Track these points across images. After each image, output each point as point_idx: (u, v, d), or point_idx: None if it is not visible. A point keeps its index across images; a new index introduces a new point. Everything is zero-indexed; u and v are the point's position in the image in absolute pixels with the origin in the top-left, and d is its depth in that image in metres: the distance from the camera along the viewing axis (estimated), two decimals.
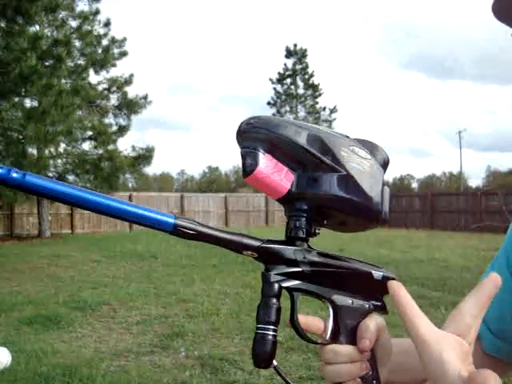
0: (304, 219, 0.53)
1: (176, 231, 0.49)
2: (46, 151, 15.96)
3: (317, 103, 32.40)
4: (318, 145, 0.51)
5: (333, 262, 0.54)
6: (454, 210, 21.26)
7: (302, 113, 32.49)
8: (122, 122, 18.05)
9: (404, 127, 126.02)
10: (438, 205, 22.14)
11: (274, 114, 32.04)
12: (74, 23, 16.63)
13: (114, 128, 17.75)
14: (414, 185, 75.73)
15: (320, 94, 32.27)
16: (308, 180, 0.52)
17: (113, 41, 17.41)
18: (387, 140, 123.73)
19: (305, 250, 0.53)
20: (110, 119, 18.07)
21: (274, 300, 0.52)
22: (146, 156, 17.81)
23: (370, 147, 0.55)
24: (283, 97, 32.27)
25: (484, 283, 0.47)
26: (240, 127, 0.52)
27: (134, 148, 17.96)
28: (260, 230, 21.10)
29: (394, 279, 0.55)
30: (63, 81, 15.40)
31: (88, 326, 5.35)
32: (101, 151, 16.96)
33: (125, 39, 17.76)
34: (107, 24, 17.35)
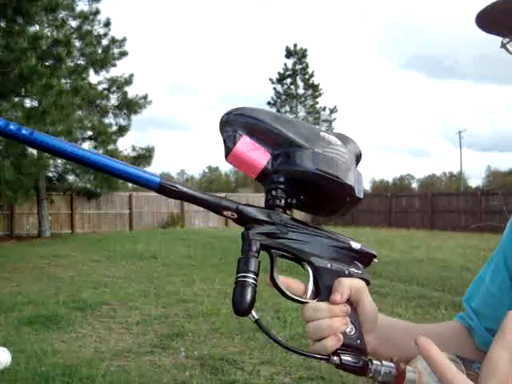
0: (280, 190, 0.58)
1: (161, 189, 0.54)
2: None
3: (317, 103, 32.38)
4: (289, 126, 0.58)
5: (309, 228, 0.59)
6: (454, 209, 21.25)
7: (302, 113, 32.48)
8: (122, 122, 18.07)
9: (404, 127, 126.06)
10: (438, 205, 22.14)
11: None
12: (74, 23, 16.64)
13: (114, 128, 17.76)
14: (414, 185, 75.77)
15: (320, 94, 32.26)
16: (282, 157, 0.57)
17: (113, 41, 17.41)
18: (387, 140, 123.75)
19: (282, 214, 0.58)
20: (109, 119, 18.08)
21: (255, 253, 0.55)
22: (145, 156, 17.83)
23: (343, 138, 0.60)
24: (283, 97, 32.25)
25: (507, 326, 0.46)
26: (221, 119, 0.59)
27: (134, 148, 17.99)
28: None
29: (374, 256, 0.62)
30: (63, 81, 15.40)
31: (88, 326, 5.35)
32: (101, 151, 16.96)
33: (125, 39, 17.78)
34: (107, 24, 17.36)
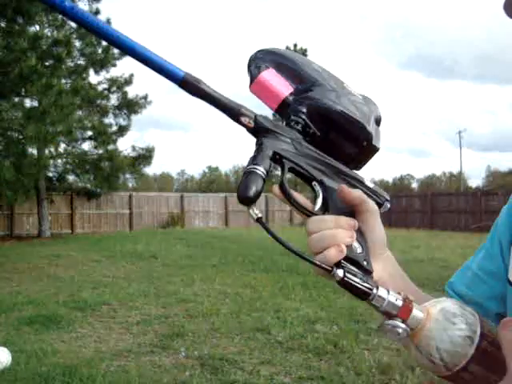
0: (300, 118, 0.57)
1: (184, 83, 0.55)
2: (46, 151, 15.96)
3: None
4: (315, 68, 0.60)
5: (325, 155, 0.58)
6: (454, 209, 21.25)
7: None
8: (122, 122, 18.06)
9: (404, 127, 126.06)
10: (438, 205, 22.14)
11: (273, 114, 32.04)
12: (74, 23, 16.63)
13: (114, 128, 17.75)
14: (414, 185, 75.81)
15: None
16: (306, 91, 0.58)
17: None
18: (387, 140, 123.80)
19: (298, 134, 0.57)
20: (109, 119, 18.07)
21: (268, 155, 0.54)
22: (145, 156, 17.83)
23: (365, 97, 0.62)
24: None
25: None
26: (250, 56, 0.61)
27: (133, 148, 17.99)
28: (260, 230, 21.07)
29: (387, 200, 0.59)
30: (63, 81, 15.40)
31: (88, 325, 5.35)
32: (101, 151, 16.97)
33: None
34: (107, 24, 17.34)
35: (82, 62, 16.99)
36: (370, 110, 0.60)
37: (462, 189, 38.23)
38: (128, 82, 18.06)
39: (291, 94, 0.58)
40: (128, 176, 19.14)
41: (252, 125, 0.55)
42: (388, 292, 0.52)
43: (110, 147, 17.09)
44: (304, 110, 0.57)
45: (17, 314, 5.74)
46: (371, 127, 0.59)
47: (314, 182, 0.57)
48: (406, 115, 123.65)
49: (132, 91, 18.34)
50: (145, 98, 18.14)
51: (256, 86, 0.59)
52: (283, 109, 0.59)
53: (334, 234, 0.53)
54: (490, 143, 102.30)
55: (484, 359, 0.50)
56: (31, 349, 4.40)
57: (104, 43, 17.35)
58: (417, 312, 0.51)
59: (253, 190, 0.51)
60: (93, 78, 17.73)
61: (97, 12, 17.02)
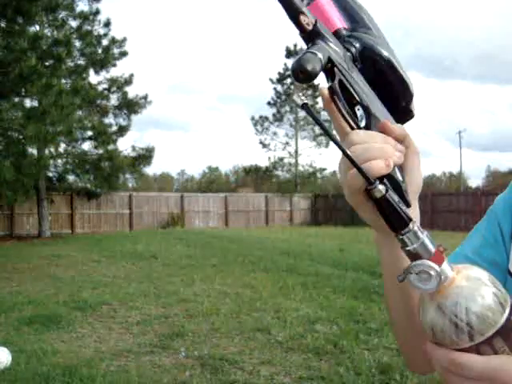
0: (353, 48, 0.54)
1: None
2: (46, 151, 15.96)
3: (317, 103, 32.37)
4: (371, 18, 0.59)
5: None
6: (454, 209, 21.25)
7: (302, 113, 32.47)
8: (122, 122, 18.06)
9: (405, 127, 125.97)
10: (438, 205, 22.13)
11: (273, 114, 32.11)
12: (74, 23, 16.61)
13: (114, 128, 17.75)
14: None
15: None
16: (359, 28, 0.56)
17: (113, 41, 17.40)
18: None
19: (351, 59, 0.53)
20: (109, 119, 18.06)
21: (325, 54, 0.49)
22: (145, 156, 17.83)
23: None
24: (283, 97, 32.26)
25: None
26: None
27: (134, 148, 17.98)
28: (260, 229, 21.10)
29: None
30: (63, 81, 15.40)
31: (88, 325, 5.35)
32: (101, 151, 16.96)
33: (125, 39, 17.76)
34: (107, 24, 17.34)
35: (81, 61, 16.99)
36: (410, 79, 0.59)
37: (462, 189, 38.21)
38: (128, 81, 18.06)
39: (345, 28, 0.55)
40: (128, 176, 19.15)
41: (310, 27, 0.49)
42: (425, 233, 0.47)
43: (110, 147, 17.08)
44: (357, 45, 0.54)
45: (17, 314, 5.74)
46: (413, 90, 0.58)
47: (357, 106, 0.52)
48: None
49: (132, 91, 18.31)
50: (145, 97, 18.14)
51: (312, 9, 0.53)
52: (335, 34, 0.54)
53: (383, 148, 0.49)
54: (489, 143, 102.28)
55: (510, 335, 0.44)
56: (31, 349, 4.40)
57: (104, 43, 17.38)
58: (447, 266, 0.45)
59: (312, 66, 0.45)
60: (93, 77, 17.77)
61: (97, 12, 17.04)
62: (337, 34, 0.54)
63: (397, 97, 0.57)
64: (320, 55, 0.47)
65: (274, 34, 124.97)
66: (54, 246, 13.54)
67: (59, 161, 17.12)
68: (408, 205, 0.49)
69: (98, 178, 16.99)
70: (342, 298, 6.35)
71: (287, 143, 32.17)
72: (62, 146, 16.72)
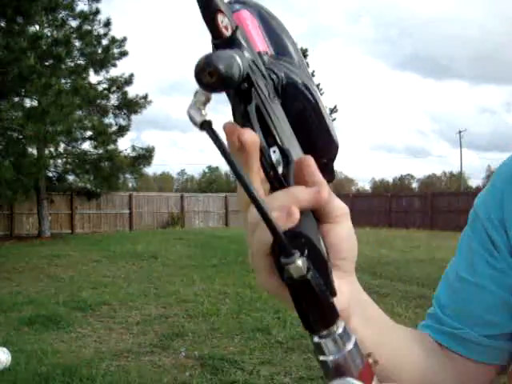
0: (275, 77, 0.41)
1: None
2: (46, 151, 15.95)
3: None
4: (296, 47, 0.45)
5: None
6: (454, 209, 21.25)
7: None
8: (122, 122, 18.04)
9: (404, 127, 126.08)
10: (438, 205, 22.14)
11: None
12: (73, 23, 16.61)
13: (114, 128, 17.74)
14: (414, 185, 75.76)
15: (320, 94, 32.30)
16: (283, 57, 0.43)
17: (113, 41, 17.39)
18: (387, 140, 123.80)
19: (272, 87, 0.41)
20: (109, 119, 18.05)
21: (243, 64, 0.34)
22: (145, 156, 17.81)
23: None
24: None
25: None
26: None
27: (133, 148, 17.97)
28: None
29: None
30: (63, 81, 15.39)
31: (88, 326, 5.34)
32: (101, 151, 16.95)
33: (125, 39, 17.75)
34: (107, 24, 17.33)
35: (81, 61, 16.97)
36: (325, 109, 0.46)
37: (462, 189, 38.23)
38: (128, 81, 18.04)
39: (265, 51, 0.43)
40: (128, 176, 19.13)
41: (228, 33, 0.37)
42: (355, 340, 0.35)
43: (110, 147, 17.07)
44: (281, 74, 0.41)
45: (17, 314, 5.74)
46: (334, 133, 0.45)
47: (274, 148, 0.38)
48: (407, 115, 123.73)
49: (132, 91, 18.25)
50: (145, 97, 18.12)
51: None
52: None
53: (289, 192, 0.36)
54: (489, 143, 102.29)
55: None
56: (31, 349, 4.40)
57: (104, 43, 17.38)
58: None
59: (228, 70, 0.32)
60: (93, 77, 17.66)
61: (97, 12, 17.03)
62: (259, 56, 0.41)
63: (318, 150, 0.42)
64: (239, 62, 0.34)
65: None
66: (53, 245, 13.54)
67: (59, 161, 17.11)
68: (333, 293, 0.35)
69: (97, 178, 16.97)
70: None
71: None
72: (62, 146, 16.70)
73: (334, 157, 0.45)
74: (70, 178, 17.97)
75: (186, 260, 10.47)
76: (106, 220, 20.52)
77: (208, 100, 0.34)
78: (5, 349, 4.04)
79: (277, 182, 0.36)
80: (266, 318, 5.45)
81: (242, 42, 0.38)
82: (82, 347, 4.59)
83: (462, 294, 0.67)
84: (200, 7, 0.36)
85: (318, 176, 0.37)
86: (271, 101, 0.38)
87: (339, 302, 0.36)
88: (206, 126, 0.33)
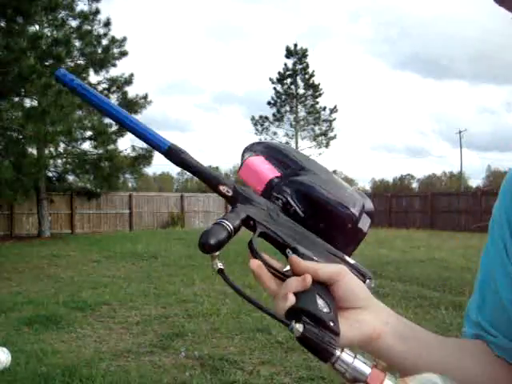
0: (282, 196, 0.59)
1: (168, 153, 0.58)
2: (46, 151, 15.95)
3: (317, 103, 32.36)
4: (303, 157, 0.63)
5: (305, 229, 0.57)
6: (454, 210, 21.25)
7: (302, 113, 32.47)
8: None
9: (404, 127, 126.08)
10: (438, 205, 22.14)
11: (274, 114, 32.09)
12: (73, 23, 16.62)
13: (114, 128, 17.73)
14: (414, 185, 75.77)
15: (320, 94, 32.23)
16: (292, 174, 0.60)
17: (113, 41, 17.39)
18: (387, 140, 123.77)
19: (277, 207, 0.58)
20: (109, 119, 18.04)
21: (239, 216, 0.55)
22: (145, 156, 17.80)
23: (359, 192, 0.63)
24: (283, 97, 32.24)
25: None
26: (244, 148, 0.66)
27: (133, 148, 17.96)
28: None
29: (369, 278, 0.57)
30: None
31: (88, 326, 5.34)
32: (101, 151, 16.95)
33: (125, 39, 17.74)
34: (107, 24, 17.33)
35: (81, 61, 16.98)
36: (357, 197, 0.60)
37: (462, 189, 38.22)
38: (128, 81, 18.04)
39: (277, 177, 0.60)
40: (128, 176, 19.13)
41: (230, 193, 0.57)
42: (355, 355, 0.48)
43: (110, 147, 17.07)
44: (287, 190, 0.58)
45: (17, 314, 5.74)
46: (356, 210, 0.58)
47: (287, 250, 0.55)
48: (407, 115, 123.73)
49: (132, 91, 18.25)
50: (145, 97, 18.12)
51: (243, 169, 0.61)
52: (269, 190, 0.60)
53: (285, 284, 0.52)
54: (489, 143, 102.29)
55: None
56: (31, 349, 4.40)
57: (104, 43, 17.38)
58: (389, 382, 0.46)
59: (215, 239, 0.50)
60: (93, 77, 17.66)
61: (97, 12, 17.03)
62: (269, 184, 0.60)
63: (339, 222, 0.58)
64: (228, 224, 0.52)
65: (274, 34, 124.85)
66: (53, 246, 13.54)
67: (59, 161, 17.12)
68: (336, 333, 0.49)
69: (97, 178, 16.97)
70: None
71: (287, 143, 32.15)
72: (62, 146, 16.71)
73: (354, 218, 0.58)
74: (70, 178, 17.99)
75: (186, 260, 10.47)
76: (106, 220, 20.52)
77: (217, 256, 0.53)
78: (5, 349, 4.04)
79: (282, 277, 0.54)
80: (266, 318, 5.45)
81: (242, 193, 0.56)
82: (82, 347, 4.59)
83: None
84: (207, 185, 0.57)
85: (303, 266, 0.52)
86: (275, 219, 0.55)
87: (364, 328, 0.53)
88: (220, 272, 0.54)
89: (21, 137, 13.47)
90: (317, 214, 0.58)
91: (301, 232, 0.56)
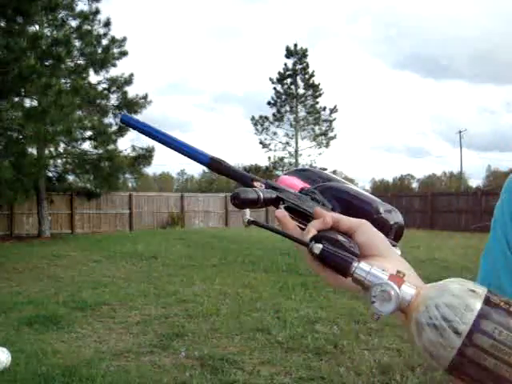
0: (310, 192, 0.67)
1: (210, 165, 0.68)
2: (46, 151, 15.95)
3: (317, 103, 32.35)
4: (332, 175, 0.75)
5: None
6: (454, 210, 21.25)
7: (302, 113, 32.45)
8: None
9: (404, 127, 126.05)
10: (438, 205, 22.13)
11: (274, 114, 32.11)
12: (73, 23, 16.62)
13: (114, 128, 17.73)
14: (414, 185, 75.73)
15: (320, 94, 32.22)
16: (321, 184, 0.70)
17: (113, 40, 17.39)
18: (387, 140, 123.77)
19: (307, 197, 0.66)
20: (109, 119, 18.03)
21: (271, 195, 0.61)
22: (145, 156, 17.80)
23: (387, 205, 0.71)
24: (283, 97, 32.23)
25: None
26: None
27: (133, 148, 17.96)
28: (260, 230, 21.06)
29: (395, 246, 0.64)
30: (63, 80, 15.39)
31: (88, 326, 5.34)
32: (101, 151, 16.95)
33: (125, 39, 17.74)
34: (107, 24, 17.33)
35: (81, 61, 16.98)
36: (385, 207, 0.69)
37: (462, 189, 38.21)
38: (128, 81, 18.04)
39: (303, 188, 0.69)
40: (128, 176, 19.13)
41: (263, 187, 0.64)
42: (372, 266, 0.49)
43: (110, 147, 17.07)
44: (315, 190, 0.67)
45: (17, 314, 5.74)
46: (381, 209, 0.67)
47: (310, 218, 0.60)
48: (407, 115, 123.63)
49: (132, 91, 18.25)
50: (145, 97, 18.12)
51: (280, 182, 0.70)
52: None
53: (309, 224, 0.58)
54: (489, 143, 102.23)
55: (499, 315, 0.40)
56: (31, 349, 4.40)
57: (104, 43, 17.39)
58: (409, 286, 0.46)
59: (245, 196, 0.57)
60: (93, 77, 17.67)
61: (97, 12, 17.03)
62: (302, 190, 0.69)
63: (364, 211, 0.66)
64: (259, 192, 0.59)
65: (274, 34, 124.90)
66: (53, 245, 13.54)
67: (59, 161, 17.11)
68: (354, 254, 0.52)
69: (97, 178, 16.97)
70: (342, 298, 6.34)
71: (287, 143, 32.17)
72: (62, 146, 16.70)
73: (377, 210, 0.67)
74: (70, 177, 17.98)
75: (186, 260, 10.47)
76: (106, 220, 20.52)
77: (248, 212, 0.58)
78: (5, 349, 4.04)
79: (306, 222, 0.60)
80: (266, 318, 5.45)
81: (274, 185, 0.64)
82: (82, 347, 4.59)
83: None
84: (241, 183, 0.65)
85: (322, 213, 0.57)
86: (302, 200, 0.63)
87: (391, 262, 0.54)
88: (250, 223, 0.57)
89: (21, 137, 13.47)
90: (344, 210, 0.65)
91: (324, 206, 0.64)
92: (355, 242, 0.55)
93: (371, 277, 0.48)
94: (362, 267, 0.49)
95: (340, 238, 0.54)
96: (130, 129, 0.74)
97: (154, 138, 0.72)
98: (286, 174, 0.74)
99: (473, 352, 0.40)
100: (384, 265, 0.52)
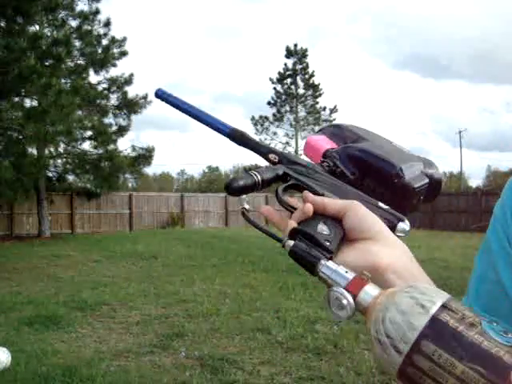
0: (329, 159, 0.65)
1: (230, 135, 0.68)
2: (46, 151, 15.94)
3: (317, 103, 32.39)
4: (363, 129, 0.72)
5: (343, 183, 0.63)
6: (454, 210, 21.25)
7: (302, 113, 32.47)
8: (122, 122, 18.03)
9: (404, 127, 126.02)
10: (438, 205, 22.13)
11: (274, 114, 32.13)
12: (73, 23, 16.62)
13: (114, 128, 17.74)
14: None
15: (320, 94, 32.26)
16: (349, 143, 0.68)
17: (113, 41, 17.39)
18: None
19: (319, 167, 0.64)
20: (109, 119, 18.03)
21: (274, 170, 0.61)
22: (145, 156, 17.80)
23: (426, 160, 0.72)
24: (283, 97, 32.26)
25: None
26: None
27: (133, 148, 17.96)
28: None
29: (402, 219, 0.62)
30: (63, 80, 15.39)
31: (88, 326, 5.34)
32: (101, 151, 16.95)
33: (125, 39, 17.74)
34: (107, 24, 17.33)
35: (81, 61, 16.98)
36: (413, 158, 0.68)
37: (462, 189, 38.21)
38: (128, 81, 18.04)
39: (333, 148, 0.67)
40: (128, 176, 19.12)
41: (276, 160, 0.63)
42: (339, 265, 0.48)
43: (110, 147, 17.07)
44: (336, 155, 0.65)
45: (17, 314, 5.74)
46: (403, 166, 0.63)
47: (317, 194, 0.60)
48: (407, 115, 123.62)
49: (132, 91, 18.25)
50: (145, 97, 18.12)
51: (305, 147, 0.70)
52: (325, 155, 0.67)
53: (292, 216, 0.57)
54: (489, 143, 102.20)
55: (443, 337, 0.37)
56: (31, 349, 4.40)
57: (104, 43, 17.39)
58: (372, 288, 0.45)
59: (238, 183, 0.56)
60: (93, 77, 17.67)
61: (97, 12, 17.03)
62: (325, 154, 0.67)
63: (384, 175, 0.63)
64: (257, 174, 0.58)
65: (274, 34, 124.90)
66: (53, 246, 13.54)
67: (59, 161, 17.11)
68: (327, 250, 0.51)
69: (97, 178, 16.96)
70: None
71: (287, 143, 32.21)
72: (62, 146, 16.70)
73: (396, 171, 0.63)
74: (70, 178, 17.98)
75: (186, 260, 10.47)
76: (106, 220, 20.52)
77: (244, 199, 0.60)
78: (5, 349, 4.04)
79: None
80: (266, 318, 5.45)
81: (287, 156, 0.64)
82: (82, 347, 4.59)
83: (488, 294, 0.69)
84: (259, 155, 0.66)
85: (310, 199, 0.56)
86: (310, 175, 0.61)
87: (371, 258, 0.51)
88: (245, 211, 0.59)
89: (21, 137, 13.46)
90: (363, 174, 0.64)
91: (335, 184, 0.61)
92: (345, 227, 0.53)
93: (335, 276, 0.47)
94: (328, 266, 0.48)
95: (319, 229, 0.52)
96: (164, 102, 0.78)
97: (184, 112, 0.75)
98: (316, 133, 0.72)
99: (413, 373, 0.38)
100: (375, 249, 0.51)
